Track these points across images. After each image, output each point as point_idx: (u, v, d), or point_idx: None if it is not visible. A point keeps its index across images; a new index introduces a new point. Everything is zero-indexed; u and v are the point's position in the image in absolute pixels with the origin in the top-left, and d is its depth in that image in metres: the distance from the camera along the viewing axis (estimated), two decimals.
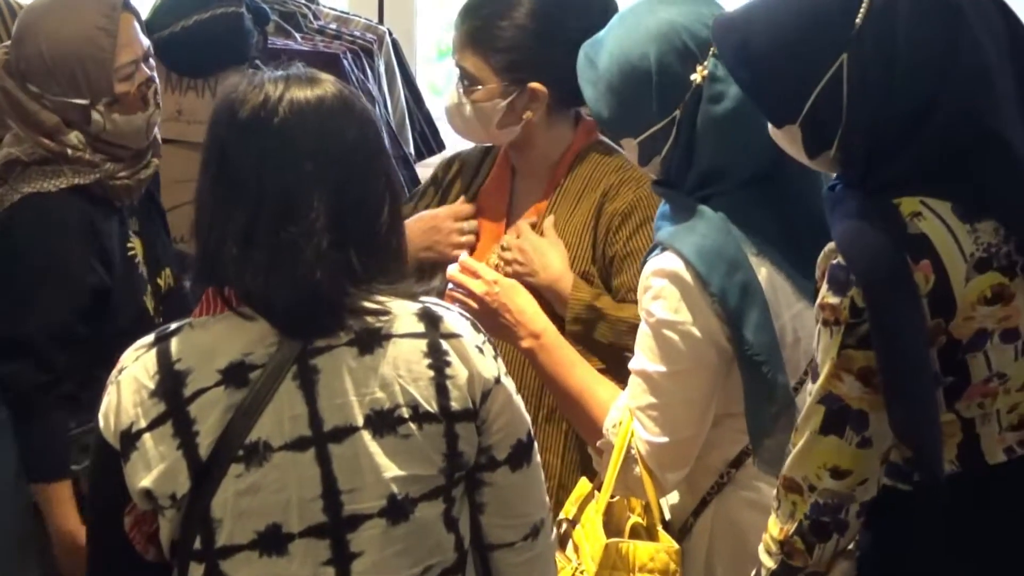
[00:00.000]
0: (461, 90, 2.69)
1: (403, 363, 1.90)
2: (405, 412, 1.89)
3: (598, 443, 2.33)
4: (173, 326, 1.96)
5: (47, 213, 2.75)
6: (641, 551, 2.29)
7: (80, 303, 2.76)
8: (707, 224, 2.18)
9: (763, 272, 2.19)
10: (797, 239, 2.20)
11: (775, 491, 2.01)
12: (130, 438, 1.90)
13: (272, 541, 1.88)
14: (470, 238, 2.78)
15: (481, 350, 1.95)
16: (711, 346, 2.18)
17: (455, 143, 4.46)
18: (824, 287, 1.89)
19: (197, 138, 3.24)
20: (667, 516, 2.36)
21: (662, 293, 2.19)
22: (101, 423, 1.94)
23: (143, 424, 1.90)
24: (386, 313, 1.91)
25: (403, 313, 1.93)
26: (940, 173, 1.87)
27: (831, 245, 1.89)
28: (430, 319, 1.93)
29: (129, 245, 2.91)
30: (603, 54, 2.29)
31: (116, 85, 2.76)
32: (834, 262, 1.88)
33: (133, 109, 2.79)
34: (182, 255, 3.17)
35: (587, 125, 2.78)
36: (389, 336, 1.90)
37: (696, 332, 2.17)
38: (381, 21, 4.51)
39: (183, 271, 3.08)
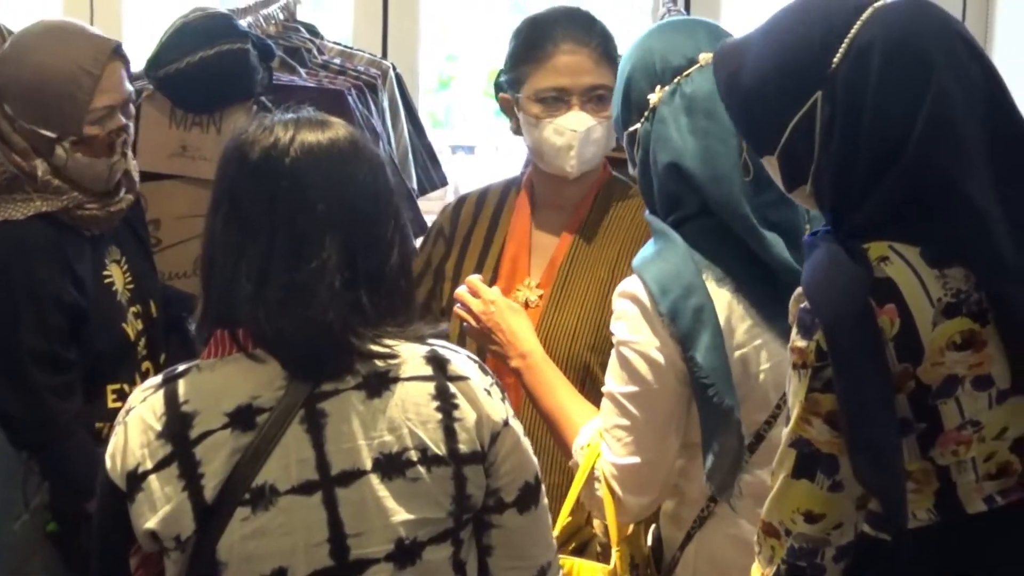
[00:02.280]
0: (588, 110, 2.71)
1: (411, 406, 1.91)
2: (414, 455, 1.90)
3: (570, 463, 2.38)
4: (181, 367, 1.96)
5: (17, 240, 2.78)
6: (584, 570, 2.33)
7: (57, 323, 2.78)
8: (670, 249, 2.24)
9: (723, 299, 2.22)
10: (772, 272, 2.23)
11: (755, 535, 2.01)
12: (136, 479, 1.91)
13: None
14: None
15: (489, 393, 1.96)
16: (670, 368, 2.21)
17: (458, 178, 4.51)
18: (794, 330, 1.90)
19: (201, 174, 3.31)
20: (661, 546, 2.38)
21: (624, 314, 2.25)
22: (108, 463, 1.94)
23: (149, 465, 1.90)
24: (394, 356, 1.92)
25: (411, 356, 1.94)
26: (906, 220, 1.87)
27: (799, 289, 1.91)
28: (438, 362, 1.94)
29: (105, 272, 2.92)
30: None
31: (86, 127, 2.80)
32: (802, 306, 1.89)
33: (98, 153, 2.83)
34: (168, 289, 3.19)
35: (603, 162, 2.83)
36: (397, 379, 1.91)
37: (653, 353, 2.21)
38: (384, 54, 4.53)
39: (169, 305, 3.09)
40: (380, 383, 1.91)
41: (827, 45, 1.86)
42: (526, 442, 2.00)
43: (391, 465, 1.89)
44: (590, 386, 2.65)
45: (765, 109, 1.93)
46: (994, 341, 1.88)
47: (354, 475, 1.89)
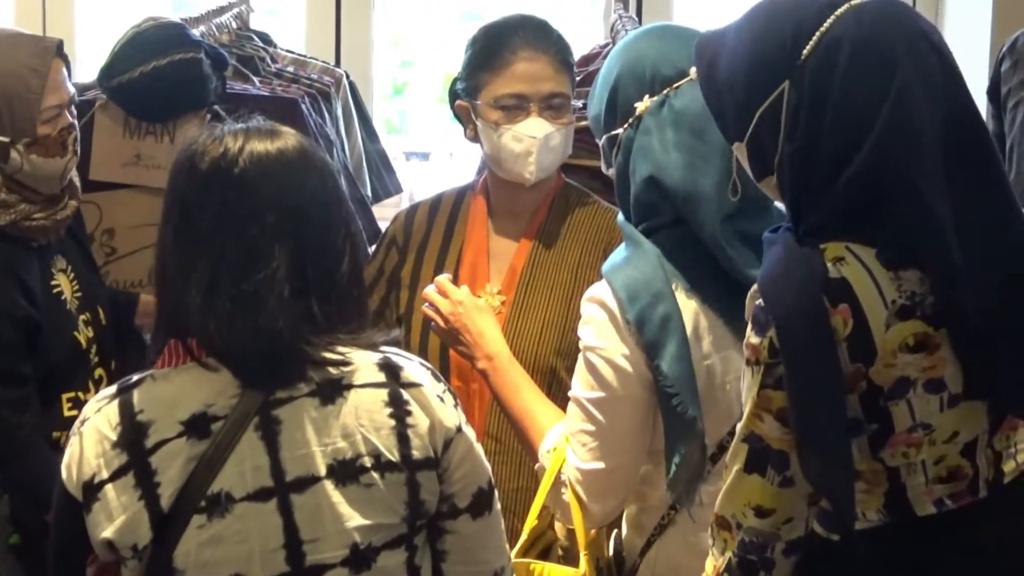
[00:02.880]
0: (548, 116, 2.72)
1: (365, 413, 1.92)
2: (367, 461, 1.91)
3: (535, 466, 2.38)
4: (135, 377, 1.97)
5: None
6: (555, 573, 2.34)
7: (11, 338, 2.77)
8: (641, 257, 2.24)
9: (691, 309, 2.22)
10: (741, 286, 2.24)
11: (709, 528, 2.03)
12: (92, 489, 1.91)
13: None
14: None
15: (442, 399, 1.97)
16: (636, 375, 2.22)
17: (412, 184, 4.52)
18: (749, 327, 1.92)
19: (156, 183, 3.31)
20: (622, 551, 2.39)
21: (591, 320, 2.26)
22: (64, 474, 1.95)
23: (105, 475, 1.91)
24: (347, 363, 1.93)
25: (364, 363, 1.95)
26: (863, 220, 1.88)
27: (755, 286, 1.93)
28: (391, 369, 1.96)
29: (54, 283, 2.91)
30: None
31: (39, 126, 2.78)
32: (756, 302, 1.91)
33: (52, 153, 2.81)
34: (113, 291, 3.19)
35: (557, 170, 2.85)
36: (350, 386, 1.93)
37: (619, 360, 2.22)
38: (338, 61, 4.54)
39: (117, 307, 3.09)
40: (333, 390, 1.92)
41: (798, 37, 1.88)
42: (479, 448, 2.01)
43: (345, 471, 1.90)
44: (556, 389, 2.66)
45: (735, 97, 1.94)
46: (947, 344, 1.89)
47: (308, 481, 1.90)
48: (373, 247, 3.11)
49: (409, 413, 1.93)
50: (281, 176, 1.93)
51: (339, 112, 3.90)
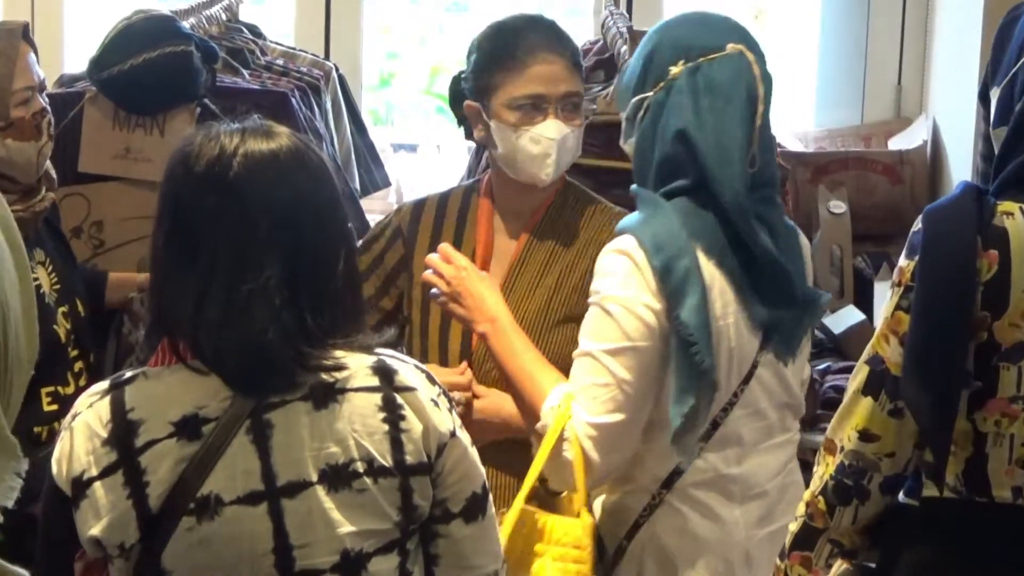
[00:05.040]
0: (562, 118, 2.71)
1: (358, 417, 1.91)
2: (360, 467, 1.90)
3: (536, 426, 2.39)
4: (128, 374, 1.96)
5: None
6: (557, 524, 2.35)
7: None
8: (663, 215, 2.29)
9: (708, 271, 2.27)
10: (754, 259, 2.29)
11: (817, 454, 2.05)
12: (81, 485, 1.91)
13: None
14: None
15: (436, 403, 1.96)
16: (657, 326, 2.26)
17: (400, 177, 4.52)
18: (904, 252, 1.96)
19: (145, 176, 3.30)
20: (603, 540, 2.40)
21: (612, 269, 2.30)
22: (54, 468, 1.94)
23: (95, 472, 1.90)
24: (340, 368, 1.92)
25: (358, 367, 1.94)
26: None
27: (922, 214, 1.97)
28: (384, 373, 1.95)
29: (32, 276, 2.88)
30: None
31: (12, 109, 2.74)
32: (916, 228, 1.94)
33: (27, 136, 2.77)
34: (84, 271, 3.17)
35: None
36: (344, 391, 1.92)
37: (641, 310, 2.26)
38: (327, 54, 4.53)
39: (89, 290, 3.06)
40: (327, 394, 1.91)
41: None
42: (473, 452, 2.01)
43: (337, 476, 1.90)
44: None
45: (1018, 43, 1.99)
46: None
47: (300, 486, 1.90)
48: (364, 238, 3.10)
49: (403, 418, 1.93)
50: (276, 182, 1.92)
51: (328, 105, 3.89)
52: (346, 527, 1.90)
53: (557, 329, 2.71)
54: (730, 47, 2.32)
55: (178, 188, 1.94)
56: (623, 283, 2.28)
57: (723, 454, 2.34)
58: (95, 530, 1.90)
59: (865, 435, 1.97)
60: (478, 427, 2.59)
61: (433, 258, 2.61)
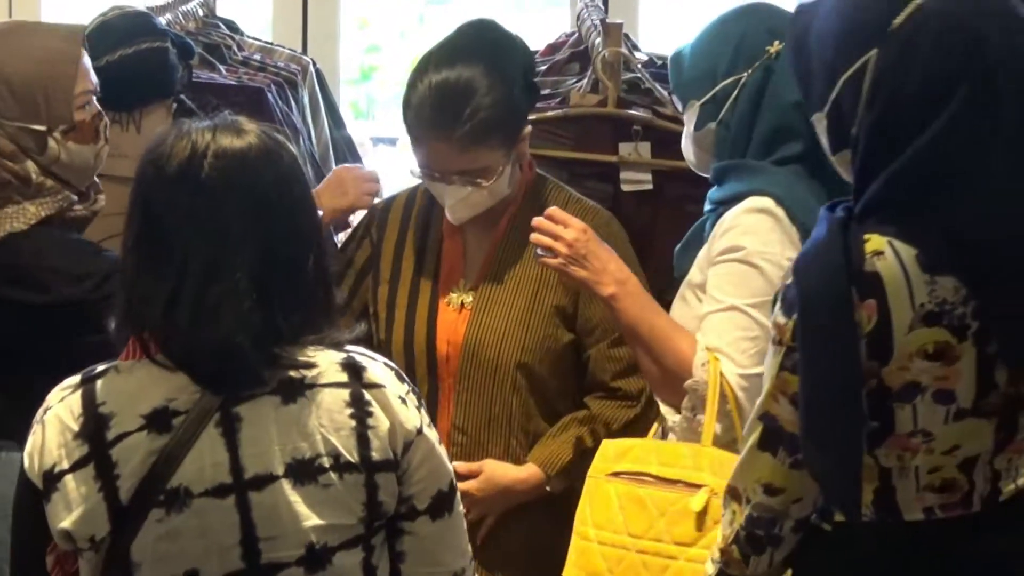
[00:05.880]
0: (470, 188, 2.70)
1: (325, 413, 1.93)
2: (326, 461, 1.92)
3: (685, 383, 2.40)
4: (100, 368, 1.98)
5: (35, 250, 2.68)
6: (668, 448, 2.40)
7: None
8: (787, 178, 2.40)
9: None
10: None
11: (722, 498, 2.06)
12: (52, 478, 1.93)
13: None
14: (376, 186, 2.96)
15: (404, 401, 1.98)
16: None
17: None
18: (777, 306, 1.93)
19: (121, 172, 3.29)
20: None
21: (754, 228, 2.38)
22: (26, 462, 1.96)
23: (66, 465, 1.92)
24: (310, 365, 1.94)
25: (327, 363, 1.96)
26: (913, 214, 1.86)
27: (791, 264, 1.94)
28: (353, 369, 1.96)
29: None
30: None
31: (76, 112, 2.73)
32: (787, 281, 1.91)
33: (88, 139, 2.76)
34: None
35: (528, 161, 2.86)
36: (312, 386, 1.94)
37: (786, 263, 2.27)
38: (305, 48, 4.54)
39: None
40: (295, 389, 1.93)
41: (893, 5, 1.87)
42: (441, 450, 2.02)
43: (303, 471, 1.92)
44: (522, 388, 2.71)
45: (823, 63, 1.94)
46: (967, 358, 1.88)
47: (267, 480, 1.92)
48: (341, 235, 3.12)
49: (370, 414, 1.94)
50: (245, 180, 1.93)
51: (306, 100, 3.90)
52: (311, 521, 1.92)
53: (547, 320, 2.72)
54: None
55: (149, 188, 1.95)
56: (765, 240, 2.36)
57: None
58: (66, 523, 1.92)
59: (769, 488, 1.96)
60: (484, 506, 2.61)
61: (542, 221, 2.56)
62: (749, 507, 1.99)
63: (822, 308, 1.86)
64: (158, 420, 1.91)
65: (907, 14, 1.85)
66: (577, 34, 3.74)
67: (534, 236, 2.55)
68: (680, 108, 2.69)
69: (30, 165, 2.69)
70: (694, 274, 2.56)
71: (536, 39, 3.57)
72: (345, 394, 1.94)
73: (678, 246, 2.75)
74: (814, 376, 1.87)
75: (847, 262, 1.85)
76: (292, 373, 1.93)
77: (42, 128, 2.70)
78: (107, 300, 2.54)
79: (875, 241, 1.87)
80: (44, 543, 1.99)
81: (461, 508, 2.06)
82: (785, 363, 1.91)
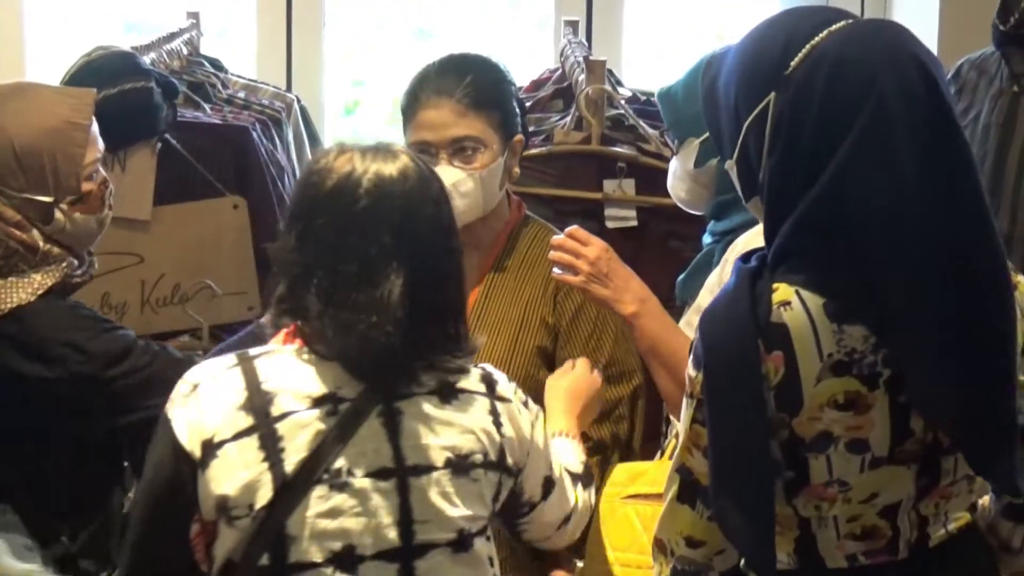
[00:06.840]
0: (463, 174, 2.68)
1: (476, 416, 2.10)
2: (478, 458, 2.09)
3: None
4: (253, 351, 2.08)
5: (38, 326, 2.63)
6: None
7: None
8: None
9: None
10: None
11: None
12: (213, 447, 2.01)
13: (345, 561, 2.02)
14: None
15: (521, 412, 2.17)
16: None
17: None
18: (690, 358, 1.92)
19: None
20: None
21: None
22: (178, 432, 2.03)
23: (228, 435, 2.01)
24: (462, 372, 2.11)
25: (472, 373, 2.13)
26: (819, 261, 1.84)
27: (701, 316, 1.92)
28: (488, 382, 2.14)
29: None
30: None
31: (83, 183, 2.66)
32: (696, 335, 1.90)
33: (94, 209, 2.70)
34: None
35: (516, 201, 2.86)
36: (464, 391, 2.10)
37: None
38: (289, 84, 4.55)
39: None
40: (451, 393, 2.09)
41: (789, 48, 1.86)
42: (542, 440, 2.20)
43: (459, 465, 2.07)
44: None
45: (728, 112, 1.93)
46: (880, 406, 1.86)
47: (426, 469, 2.05)
48: None
49: (502, 424, 2.12)
50: (402, 201, 2.04)
51: (290, 137, 3.91)
52: (460, 511, 2.07)
53: (529, 361, 2.72)
54: None
55: (310, 197, 2.06)
56: None
57: None
58: (226, 489, 1.99)
59: (691, 542, 1.96)
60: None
61: (562, 240, 2.56)
62: (674, 559, 1.98)
63: (727, 361, 1.85)
64: (325, 404, 2.02)
65: (802, 56, 1.85)
66: (561, 70, 3.76)
67: (554, 254, 2.55)
68: (673, 145, 2.68)
69: (36, 234, 2.63)
70: (703, 297, 2.59)
71: (520, 75, 3.58)
72: (487, 403, 2.11)
73: (682, 275, 2.75)
74: (720, 429, 1.86)
75: (753, 314, 1.84)
76: (449, 378, 2.08)
77: (49, 200, 2.63)
78: (116, 380, 2.61)
79: (783, 291, 1.85)
80: (190, 512, 2.04)
81: (559, 469, 2.27)
82: (697, 416, 1.90)
